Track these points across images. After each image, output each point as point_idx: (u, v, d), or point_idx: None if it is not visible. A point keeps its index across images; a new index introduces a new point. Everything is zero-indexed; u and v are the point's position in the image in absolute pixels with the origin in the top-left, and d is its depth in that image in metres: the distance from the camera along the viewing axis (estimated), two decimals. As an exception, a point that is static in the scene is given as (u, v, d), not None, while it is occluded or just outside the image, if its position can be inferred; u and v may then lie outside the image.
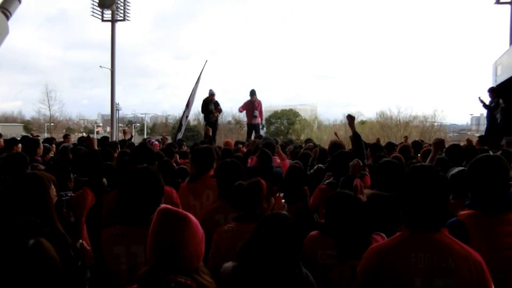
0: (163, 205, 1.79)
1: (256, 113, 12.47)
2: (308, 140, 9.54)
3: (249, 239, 2.14)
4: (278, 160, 5.66)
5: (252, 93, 12.50)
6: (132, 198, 2.38)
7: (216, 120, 12.58)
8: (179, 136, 12.31)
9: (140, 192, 2.38)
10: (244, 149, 6.46)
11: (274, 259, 2.01)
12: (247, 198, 2.78)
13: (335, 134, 10.57)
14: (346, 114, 4.84)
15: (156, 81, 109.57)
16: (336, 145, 4.80)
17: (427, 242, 1.91)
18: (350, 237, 2.51)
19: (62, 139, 9.65)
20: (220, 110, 12.65)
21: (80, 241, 2.72)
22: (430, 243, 1.90)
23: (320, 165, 4.82)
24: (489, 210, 2.32)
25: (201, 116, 13.17)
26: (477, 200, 2.38)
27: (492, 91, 11.10)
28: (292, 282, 2.03)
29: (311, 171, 4.81)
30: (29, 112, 56.77)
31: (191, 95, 12.76)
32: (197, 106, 13.09)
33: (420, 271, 1.86)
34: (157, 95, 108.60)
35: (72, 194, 3.38)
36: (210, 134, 7.80)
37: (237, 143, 8.57)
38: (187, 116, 13.37)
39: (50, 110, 40.70)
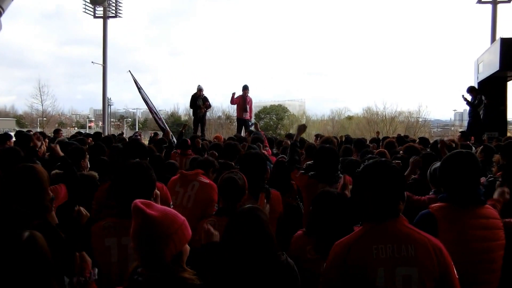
0: (135, 201, 1.77)
1: (247, 108, 12.50)
2: (290, 135, 9.68)
3: (222, 235, 2.21)
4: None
5: (245, 88, 12.54)
6: (124, 192, 2.44)
7: (204, 115, 12.78)
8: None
9: (132, 185, 2.43)
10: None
11: (247, 252, 2.06)
12: (224, 191, 2.90)
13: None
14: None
15: (150, 76, 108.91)
16: (326, 142, 5.01)
17: (387, 233, 1.95)
18: (333, 234, 2.56)
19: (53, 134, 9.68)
20: (208, 106, 12.84)
21: (77, 206, 2.74)
22: (390, 234, 1.94)
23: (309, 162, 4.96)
24: (460, 203, 2.40)
25: (192, 111, 13.29)
26: (449, 194, 2.46)
27: (472, 90, 11.31)
28: (275, 270, 2.08)
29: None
30: (21, 107, 56.46)
31: (146, 103, 13.14)
32: (186, 102, 13.35)
33: (382, 262, 1.90)
34: (150, 90, 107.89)
35: None
36: (170, 137, 7.87)
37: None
38: (160, 118, 13.57)
39: (42, 105, 40.41)
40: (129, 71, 13.47)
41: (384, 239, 1.93)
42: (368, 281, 1.91)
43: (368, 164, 2.10)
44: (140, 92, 13.07)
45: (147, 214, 1.71)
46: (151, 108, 13.35)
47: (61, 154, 3.81)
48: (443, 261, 1.91)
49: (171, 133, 9.29)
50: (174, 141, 9.35)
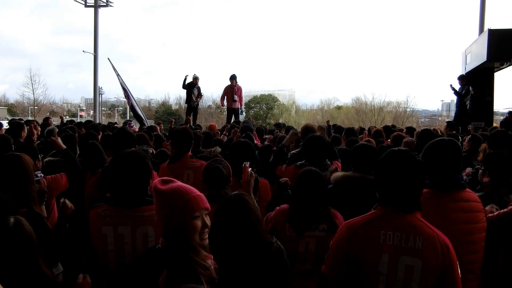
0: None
1: (236, 97, 12.66)
2: (278, 125, 9.83)
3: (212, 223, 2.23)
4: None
5: (232, 77, 12.66)
6: (121, 181, 2.40)
7: (197, 105, 13.22)
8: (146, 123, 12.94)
9: (129, 175, 2.39)
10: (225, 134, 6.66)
11: (236, 238, 2.09)
12: (209, 179, 2.92)
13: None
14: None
15: (142, 67, 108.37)
16: (308, 130, 5.03)
17: (398, 222, 1.96)
18: (310, 211, 2.67)
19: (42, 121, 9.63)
20: (200, 96, 13.19)
21: (62, 199, 2.74)
22: (400, 223, 1.96)
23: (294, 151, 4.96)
24: (442, 188, 2.48)
25: (182, 100, 13.69)
26: (432, 180, 2.50)
27: (462, 78, 11.46)
28: (265, 257, 2.11)
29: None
30: (13, 96, 56.43)
31: (122, 87, 13.64)
32: (177, 92, 13.69)
33: (387, 248, 1.93)
34: (142, 80, 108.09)
35: (42, 175, 3.41)
36: (191, 123, 7.96)
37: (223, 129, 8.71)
38: (133, 105, 14.01)
39: (34, 93, 40.17)
40: (108, 58, 14.30)
41: (394, 226, 1.96)
42: (370, 265, 1.94)
43: (397, 152, 2.07)
44: (118, 78, 13.60)
45: (156, 188, 1.86)
46: (129, 95, 13.74)
47: (64, 147, 3.85)
48: (448, 259, 1.93)
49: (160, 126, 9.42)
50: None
